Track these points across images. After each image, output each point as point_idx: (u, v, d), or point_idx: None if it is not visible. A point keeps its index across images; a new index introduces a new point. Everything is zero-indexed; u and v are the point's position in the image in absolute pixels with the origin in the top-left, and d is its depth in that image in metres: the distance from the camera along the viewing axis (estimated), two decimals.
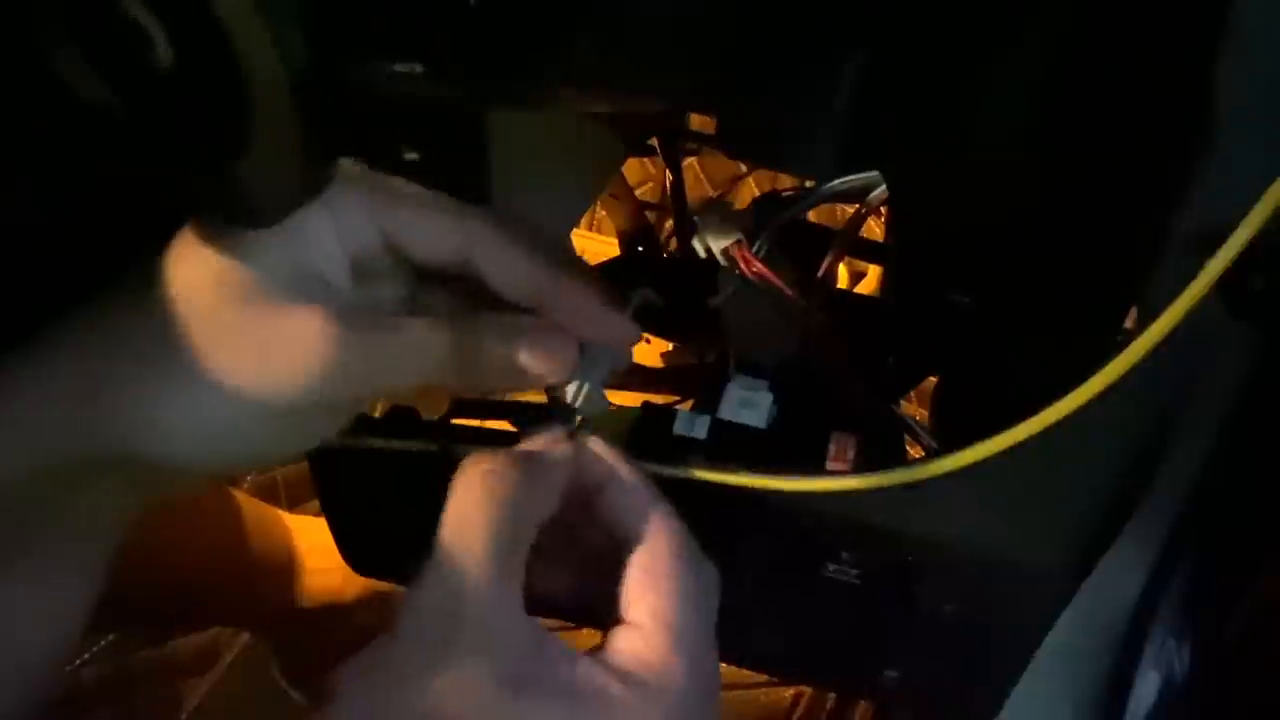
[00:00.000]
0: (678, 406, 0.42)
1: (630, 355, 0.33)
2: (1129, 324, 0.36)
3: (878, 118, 0.32)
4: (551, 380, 0.30)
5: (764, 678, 0.95)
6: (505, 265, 0.29)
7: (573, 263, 0.31)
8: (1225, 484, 0.39)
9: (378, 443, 0.38)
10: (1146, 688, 0.41)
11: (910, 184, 0.36)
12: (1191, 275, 0.32)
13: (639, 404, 0.44)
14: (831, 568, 0.35)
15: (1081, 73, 0.34)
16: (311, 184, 0.24)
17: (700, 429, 0.38)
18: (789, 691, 0.94)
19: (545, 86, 0.30)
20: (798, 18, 0.29)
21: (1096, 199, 0.38)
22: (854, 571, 0.35)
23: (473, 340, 0.29)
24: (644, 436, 0.38)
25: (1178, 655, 0.42)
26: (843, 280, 0.79)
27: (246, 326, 0.27)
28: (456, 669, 0.25)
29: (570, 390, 0.31)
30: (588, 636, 0.32)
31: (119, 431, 0.27)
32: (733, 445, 0.38)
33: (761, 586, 0.37)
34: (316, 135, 0.22)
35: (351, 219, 0.28)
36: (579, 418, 0.31)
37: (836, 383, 0.40)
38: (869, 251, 0.53)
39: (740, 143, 0.31)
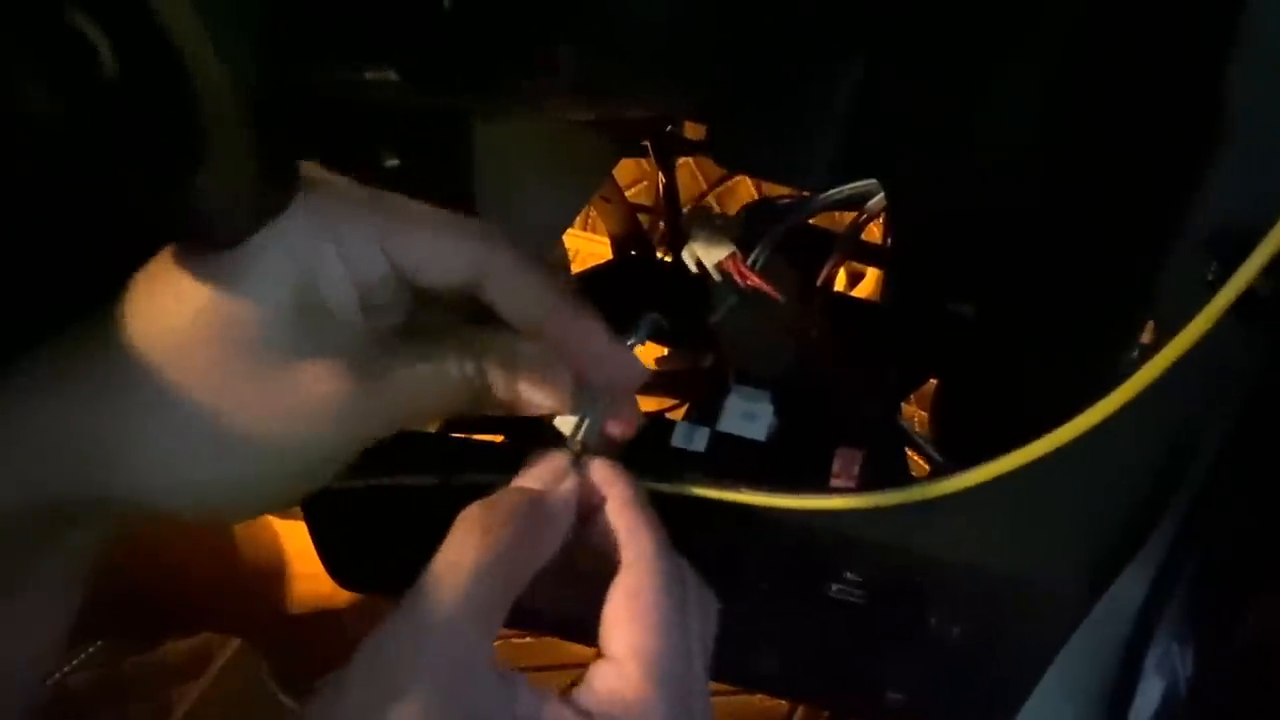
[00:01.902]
0: (670, 415, 0.41)
1: (635, 406, 0.32)
2: (1145, 338, 0.35)
3: (875, 126, 0.31)
4: (550, 410, 0.29)
5: None
6: (516, 291, 0.28)
7: (579, 296, 0.30)
8: (1231, 491, 0.38)
9: (372, 480, 0.37)
10: (1150, 694, 0.41)
11: (910, 192, 0.34)
12: (1207, 286, 0.31)
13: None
14: (835, 588, 0.34)
15: (1089, 77, 0.33)
16: (272, 201, 0.22)
17: (699, 442, 0.36)
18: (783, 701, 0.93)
19: (525, 95, 0.29)
20: (789, 25, 0.27)
21: (1104, 207, 0.36)
22: (858, 592, 0.34)
23: (477, 372, 0.28)
24: (640, 449, 0.37)
25: (1181, 661, 0.41)
26: (840, 282, 0.77)
27: (252, 380, 0.25)
28: (406, 709, 0.24)
29: (570, 424, 0.30)
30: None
31: (108, 478, 0.26)
32: (732, 459, 0.36)
33: (762, 605, 0.36)
34: (275, 149, 0.20)
35: (358, 246, 0.26)
36: (580, 445, 0.30)
37: (838, 395, 0.39)
38: (869, 255, 0.51)
39: (731, 153, 0.30)
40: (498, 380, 0.28)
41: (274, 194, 0.22)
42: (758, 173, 0.36)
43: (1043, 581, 0.33)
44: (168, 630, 0.97)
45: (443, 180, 0.37)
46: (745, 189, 0.89)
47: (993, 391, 0.42)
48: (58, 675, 0.94)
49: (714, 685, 0.89)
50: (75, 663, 0.95)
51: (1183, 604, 0.40)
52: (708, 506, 0.34)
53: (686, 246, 0.40)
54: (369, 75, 0.26)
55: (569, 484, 0.30)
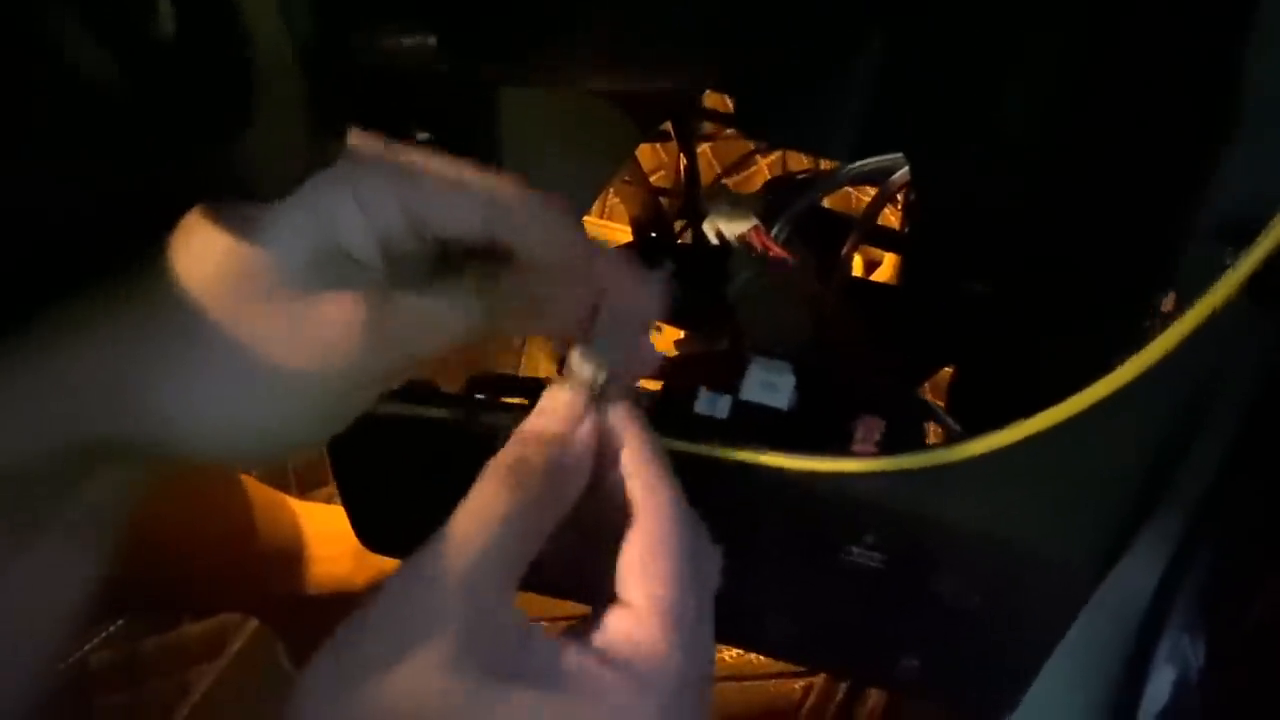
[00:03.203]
0: None
1: (651, 345, 0.32)
2: (1167, 307, 0.36)
3: (902, 99, 0.31)
4: (571, 327, 0.29)
5: (774, 669, 0.94)
6: (531, 231, 0.29)
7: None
8: (1242, 479, 0.38)
9: (394, 408, 0.37)
10: (1160, 684, 0.41)
11: (933, 167, 0.35)
12: (1220, 263, 0.32)
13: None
14: (854, 551, 0.35)
15: (1108, 58, 0.33)
16: (320, 155, 0.23)
17: (722, 409, 0.37)
18: (799, 684, 0.93)
19: (557, 63, 0.29)
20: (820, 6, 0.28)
21: (1123, 184, 0.37)
22: (877, 556, 0.34)
23: (497, 298, 0.28)
24: (664, 414, 0.37)
25: (1193, 651, 0.41)
26: (857, 268, 0.78)
27: (274, 317, 0.26)
28: (424, 657, 0.24)
29: (588, 371, 0.30)
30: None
31: (138, 419, 0.27)
32: (754, 426, 0.37)
33: (780, 570, 0.36)
34: (324, 106, 0.21)
35: (376, 200, 0.27)
36: (599, 385, 0.30)
37: (857, 367, 0.39)
38: (886, 240, 0.52)
39: (759, 123, 0.31)
40: (516, 302, 0.29)
41: (322, 148, 0.23)
42: (785, 142, 0.37)
43: (1056, 548, 0.34)
44: (187, 611, 0.98)
45: (469, 156, 0.38)
46: (760, 176, 0.90)
47: (1007, 368, 0.43)
48: (78, 653, 0.95)
49: (726, 672, 0.90)
50: (95, 641, 0.97)
51: (1193, 595, 0.41)
52: (730, 470, 0.35)
53: (707, 220, 0.41)
54: (407, 42, 0.27)
55: (587, 427, 0.30)
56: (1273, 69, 0.32)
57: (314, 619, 0.94)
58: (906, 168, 0.40)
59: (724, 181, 0.60)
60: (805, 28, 0.28)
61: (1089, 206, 0.38)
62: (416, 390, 0.40)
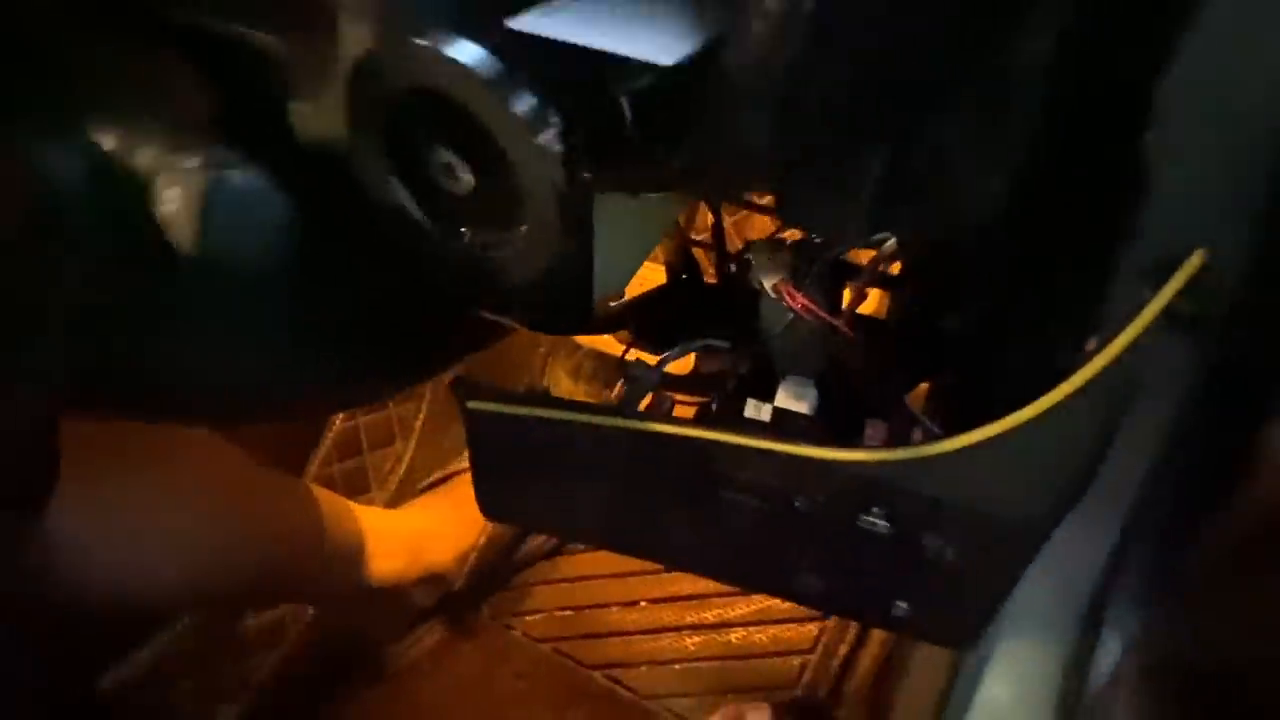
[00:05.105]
0: None
1: None
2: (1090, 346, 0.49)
3: (894, 200, 0.45)
4: None
5: (772, 649, 1.07)
6: None
7: None
8: (1171, 480, 0.50)
9: (520, 409, 0.50)
10: (1110, 645, 0.51)
11: (915, 242, 0.49)
12: (1137, 308, 0.45)
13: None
14: (864, 519, 0.48)
15: (1046, 162, 0.47)
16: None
17: (765, 414, 0.50)
18: (796, 661, 1.06)
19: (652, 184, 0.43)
20: (840, 133, 0.41)
21: (1059, 253, 0.50)
22: (881, 523, 0.48)
23: None
24: (722, 418, 0.51)
25: (1132, 622, 0.53)
26: (846, 296, 0.92)
27: None
28: None
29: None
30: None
31: None
32: (788, 427, 0.50)
33: (810, 535, 0.50)
34: (571, 220, 0.34)
35: None
36: None
37: (863, 383, 0.53)
38: (881, 282, 0.66)
39: (798, 216, 0.44)
40: None
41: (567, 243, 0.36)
42: (817, 230, 0.50)
43: (1014, 515, 0.47)
44: (259, 606, 1.08)
45: None
46: (760, 223, 1.04)
47: (972, 384, 0.56)
48: (150, 646, 1.05)
49: (727, 651, 1.03)
50: (165, 635, 1.06)
51: (1134, 577, 0.53)
52: (775, 458, 0.48)
53: (751, 270, 0.54)
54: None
55: None
56: (1175, 149, 0.45)
57: (368, 609, 1.06)
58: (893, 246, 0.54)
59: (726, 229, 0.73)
60: (838, 155, 0.41)
61: (1034, 263, 0.51)
62: (536, 396, 0.52)
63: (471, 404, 0.50)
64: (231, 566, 0.86)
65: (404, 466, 1.23)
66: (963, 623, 0.52)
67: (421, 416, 1.25)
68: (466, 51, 0.30)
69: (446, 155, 0.33)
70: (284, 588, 0.99)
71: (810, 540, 0.50)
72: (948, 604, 0.51)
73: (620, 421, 0.49)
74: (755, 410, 0.50)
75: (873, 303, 0.89)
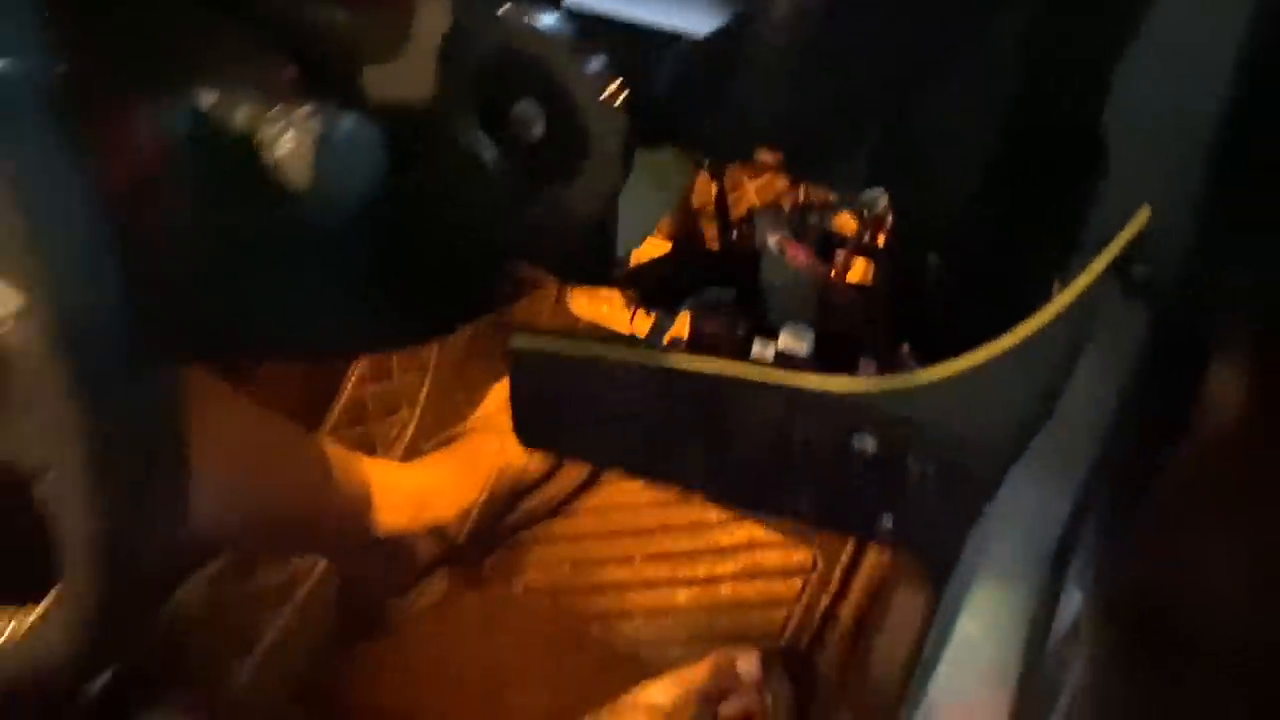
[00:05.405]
0: None
1: None
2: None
3: (886, 161, 0.52)
4: None
5: (758, 602, 1.15)
6: None
7: None
8: (1128, 436, 0.57)
9: (559, 345, 0.57)
10: (1072, 600, 0.55)
11: (903, 198, 0.56)
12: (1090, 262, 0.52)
13: None
14: (856, 440, 0.55)
15: (1018, 129, 0.54)
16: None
17: (769, 354, 0.58)
18: (781, 613, 1.13)
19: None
20: (845, 104, 0.49)
21: (1029, 215, 0.58)
22: (870, 442, 0.55)
23: None
24: (730, 358, 0.58)
25: (1090, 575, 0.59)
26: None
27: None
28: None
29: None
30: None
31: None
32: (788, 367, 0.58)
33: (809, 455, 0.57)
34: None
35: None
36: None
37: (855, 330, 0.60)
38: (867, 251, 0.73)
39: (806, 173, 0.51)
40: None
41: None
42: (820, 182, 0.58)
43: (981, 435, 0.55)
44: (275, 553, 1.14)
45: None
46: (747, 194, 1.12)
47: (946, 331, 0.64)
48: (178, 594, 1.10)
49: (716, 604, 1.10)
50: (187, 585, 1.12)
51: (1092, 535, 0.60)
52: (780, 389, 0.55)
53: (755, 230, 0.62)
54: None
55: None
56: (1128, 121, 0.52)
57: (375, 559, 1.12)
58: (884, 201, 0.62)
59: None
60: (842, 120, 0.49)
61: (1006, 228, 0.59)
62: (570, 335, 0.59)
63: (515, 340, 0.57)
64: (249, 512, 0.91)
65: (409, 434, 1.29)
66: (940, 535, 0.60)
67: (426, 388, 1.32)
68: (548, 18, 0.37)
69: (525, 106, 0.39)
70: (296, 536, 1.05)
71: (808, 463, 0.57)
72: (928, 518, 0.58)
73: (645, 356, 0.56)
74: (761, 351, 0.58)
75: (857, 274, 0.96)
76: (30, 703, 0.49)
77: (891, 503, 0.58)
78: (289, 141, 0.41)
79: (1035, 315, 0.54)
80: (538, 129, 0.40)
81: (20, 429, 0.40)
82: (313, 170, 0.40)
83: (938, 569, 0.65)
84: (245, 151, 0.44)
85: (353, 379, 1.31)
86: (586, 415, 0.59)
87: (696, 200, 0.85)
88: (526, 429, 0.61)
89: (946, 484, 0.56)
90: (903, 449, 0.55)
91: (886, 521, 0.59)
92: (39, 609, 0.43)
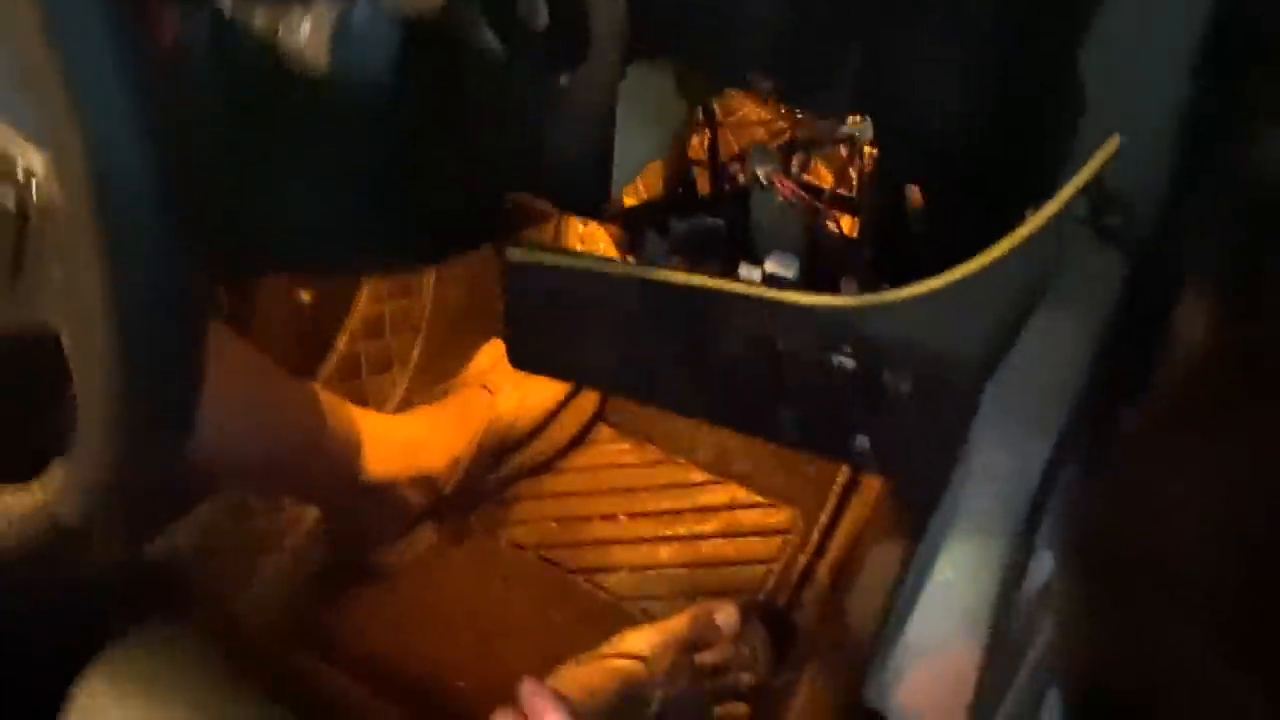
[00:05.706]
0: None
1: None
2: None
3: (870, 89, 0.55)
4: None
5: (738, 559, 1.17)
6: None
7: None
8: (1100, 386, 0.59)
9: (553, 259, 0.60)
10: (1042, 563, 0.59)
11: (887, 124, 0.59)
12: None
13: None
14: (836, 357, 0.58)
15: (996, 62, 0.57)
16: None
17: (756, 276, 0.60)
18: (760, 569, 1.16)
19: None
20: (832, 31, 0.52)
21: (1007, 144, 0.61)
22: (849, 359, 0.58)
23: None
24: (719, 275, 0.60)
25: (1061, 538, 0.61)
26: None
27: None
28: None
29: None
30: None
31: None
32: (776, 287, 0.60)
33: (791, 372, 0.59)
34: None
35: None
36: None
37: (840, 267, 0.63)
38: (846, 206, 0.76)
39: (798, 99, 0.54)
40: None
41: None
42: (808, 107, 0.60)
43: (956, 351, 0.57)
44: (267, 494, 1.16)
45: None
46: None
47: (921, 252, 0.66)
48: (171, 533, 1.12)
49: (698, 560, 1.12)
50: (184, 521, 1.14)
51: (1061, 499, 0.62)
52: (765, 305, 0.58)
53: (748, 165, 0.64)
54: None
55: None
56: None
57: (366, 507, 1.13)
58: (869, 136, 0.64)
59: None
60: (831, 47, 0.51)
61: (986, 158, 0.61)
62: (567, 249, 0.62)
63: (512, 254, 0.59)
64: (240, 450, 0.93)
65: (400, 391, 1.31)
66: (914, 457, 0.62)
67: (418, 349, 1.34)
68: None
69: None
70: (286, 478, 1.07)
71: (789, 378, 0.60)
72: (903, 437, 0.61)
73: (637, 270, 0.58)
74: (748, 272, 0.60)
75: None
76: (50, 582, 0.49)
77: (868, 423, 0.61)
78: (307, 29, 0.43)
79: (1008, 237, 0.56)
80: (542, 18, 0.43)
81: (43, 286, 0.42)
82: (330, 55, 0.42)
83: (910, 493, 0.67)
84: (266, 43, 0.46)
85: (345, 336, 1.33)
86: (578, 331, 0.61)
87: (690, 152, 0.87)
88: (519, 348, 0.64)
89: (921, 401, 0.59)
90: (880, 365, 0.58)
91: (864, 442, 0.61)
92: (48, 474, 0.45)
